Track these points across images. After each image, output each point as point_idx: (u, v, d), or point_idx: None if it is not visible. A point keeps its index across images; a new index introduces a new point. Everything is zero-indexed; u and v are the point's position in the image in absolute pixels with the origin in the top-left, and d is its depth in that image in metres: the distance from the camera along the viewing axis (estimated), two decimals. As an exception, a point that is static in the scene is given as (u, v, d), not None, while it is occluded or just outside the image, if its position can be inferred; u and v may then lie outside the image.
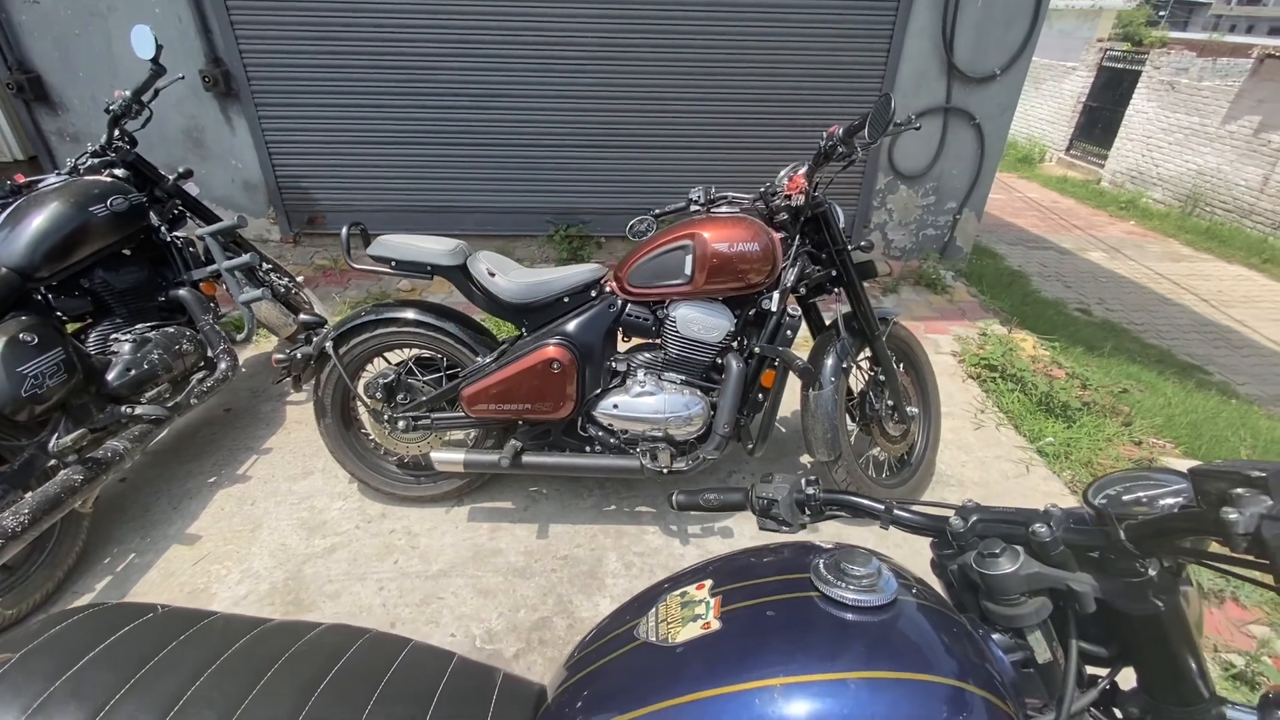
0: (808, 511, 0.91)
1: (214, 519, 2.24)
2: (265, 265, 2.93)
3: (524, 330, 2.13)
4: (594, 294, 2.10)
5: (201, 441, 2.61)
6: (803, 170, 2.00)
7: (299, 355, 2.09)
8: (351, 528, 2.22)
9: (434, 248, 2.02)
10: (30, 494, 1.79)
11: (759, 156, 4.11)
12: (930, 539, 0.81)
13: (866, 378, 2.29)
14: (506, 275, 2.07)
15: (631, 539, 2.20)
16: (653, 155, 4.10)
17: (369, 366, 2.27)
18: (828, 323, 2.26)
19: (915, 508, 0.85)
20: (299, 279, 3.11)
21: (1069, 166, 9.97)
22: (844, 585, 0.70)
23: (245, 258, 2.52)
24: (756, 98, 3.97)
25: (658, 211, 2.22)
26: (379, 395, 2.10)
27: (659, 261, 2.01)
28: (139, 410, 2.13)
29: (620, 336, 2.18)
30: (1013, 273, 5.28)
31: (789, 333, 2.05)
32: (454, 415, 2.13)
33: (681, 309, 2.03)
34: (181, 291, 2.46)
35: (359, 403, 2.27)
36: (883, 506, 0.85)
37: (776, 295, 2.02)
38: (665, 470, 2.04)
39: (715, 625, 0.73)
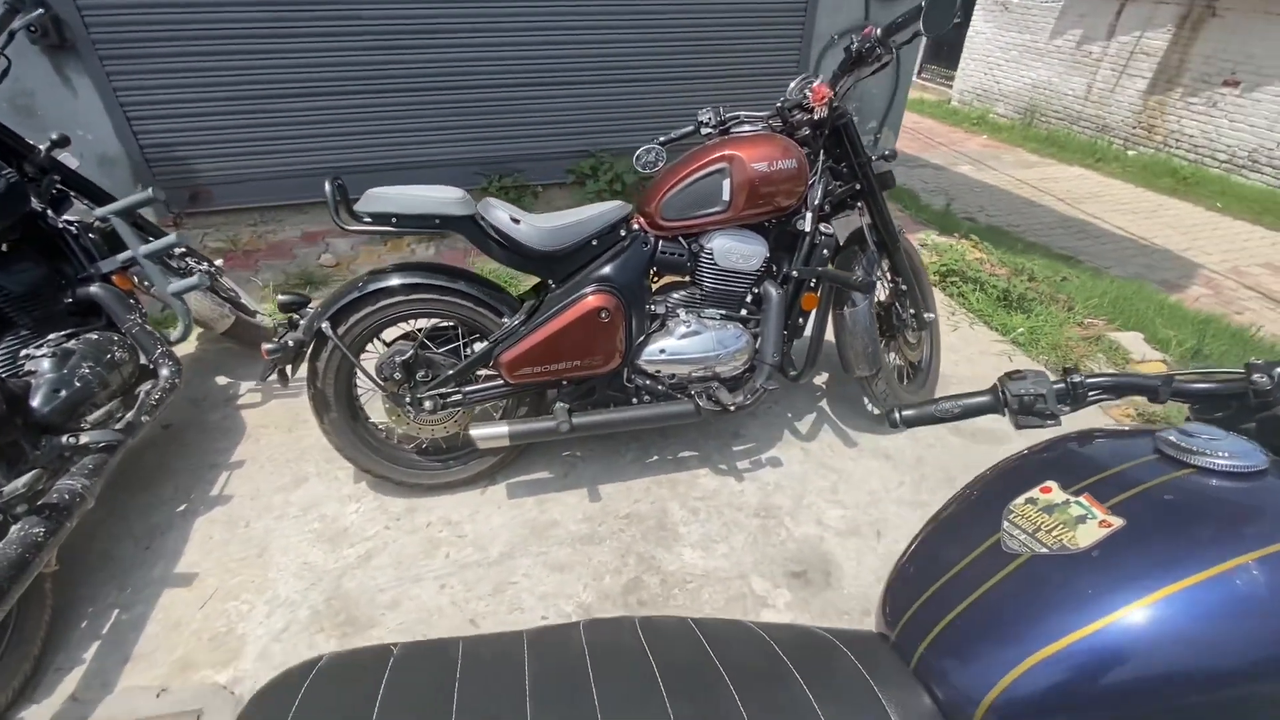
0: (1069, 401, 0.89)
1: (204, 551, 1.88)
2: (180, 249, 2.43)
3: (550, 281, 1.93)
4: (623, 233, 1.94)
5: (148, 467, 2.17)
6: (820, 80, 1.93)
7: (290, 343, 1.76)
8: (380, 529, 1.96)
9: (440, 196, 1.75)
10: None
11: (680, 88, 3.98)
12: (1199, 406, 0.82)
13: (888, 289, 2.33)
14: (527, 221, 1.85)
15: (686, 485, 2.12)
16: (586, 92, 3.84)
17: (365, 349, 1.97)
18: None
19: (1194, 379, 0.84)
20: (218, 263, 2.62)
21: (922, 89, 10.69)
22: (1214, 454, 0.68)
23: (170, 238, 2.06)
24: (681, 24, 3.81)
25: (663, 139, 2.07)
26: (397, 376, 1.83)
27: (693, 189, 1.89)
28: (84, 438, 1.71)
29: (652, 276, 2.04)
30: (905, 190, 5.61)
31: (825, 252, 2.02)
32: (490, 386, 1.91)
33: (718, 239, 1.93)
34: (93, 288, 1.98)
35: (361, 390, 1.98)
36: (1159, 380, 0.84)
37: (809, 215, 1.97)
38: (732, 407, 1.95)
39: (1117, 522, 0.68)
